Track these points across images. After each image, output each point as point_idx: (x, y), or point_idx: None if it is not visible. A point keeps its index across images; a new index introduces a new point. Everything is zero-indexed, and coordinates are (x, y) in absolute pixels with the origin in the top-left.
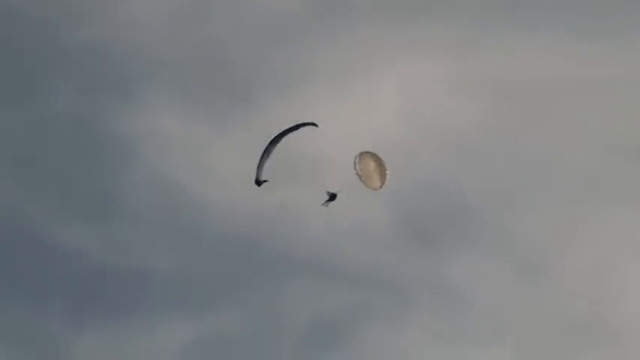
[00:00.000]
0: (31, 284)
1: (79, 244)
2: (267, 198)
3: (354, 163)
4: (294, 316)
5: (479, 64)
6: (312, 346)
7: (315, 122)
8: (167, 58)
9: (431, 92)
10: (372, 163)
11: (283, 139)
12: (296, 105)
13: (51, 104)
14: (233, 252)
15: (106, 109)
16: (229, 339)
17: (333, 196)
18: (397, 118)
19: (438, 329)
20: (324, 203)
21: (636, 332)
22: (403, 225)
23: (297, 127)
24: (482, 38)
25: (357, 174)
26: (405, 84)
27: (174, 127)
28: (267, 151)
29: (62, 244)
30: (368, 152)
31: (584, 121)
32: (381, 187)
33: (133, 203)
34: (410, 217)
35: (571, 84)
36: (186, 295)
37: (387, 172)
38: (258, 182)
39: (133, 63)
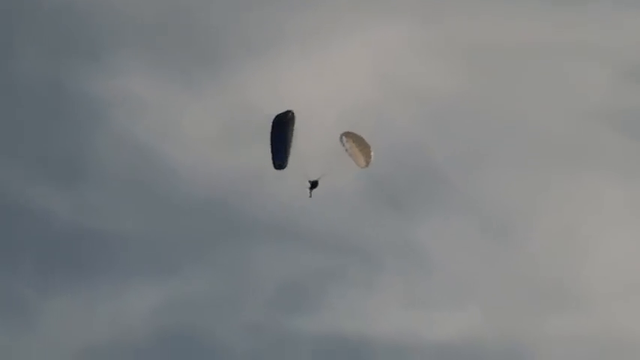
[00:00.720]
0: (0, 246)
1: (49, 206)
2: (238, 162)
3: (342, 142)
4: (264, 280)
5: (451, 28)
6: (281, 310)
7: (290, 110)
8: (139, 20)
9: (403, 56)
10: (355, 144)
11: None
12: (268, 68)
13: (22, 66)
14: (203, 215)
15: (77, 71)
16: (198, 302)
17: (314, 184)
18: (369, 81)
19: (406, 293)
20: (309, 193)
21: (603, 297)
22: (373, 188)
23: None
24: (455, 2)
25: (346, 150)
26: (377, 47)
27: (145, 89)
28: (280, 137)
29: (32, 207)
30: (350, 132)
31: (555, 85)
32: (366, 165)
33: (103, 166)
34: (380, 180)
35: (542, 49)
36: (156, 258)
37: (372, 151)
38: (280, 167)
39: (105, 25)
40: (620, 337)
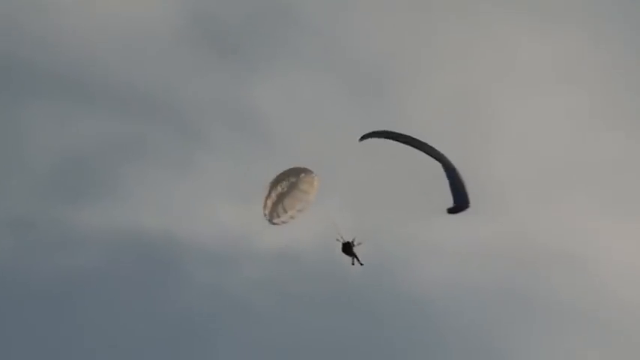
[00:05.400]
0: None
1: None
2: None
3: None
4: (37, 151)
5: None
6: (59, 193)
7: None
8: None
9: None
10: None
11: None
12: None
13: None
14: None
15: None
16: None
17: (349, 250)
18: None
19: (235, 178)
20: (359, 263)
21: (513, 195)
22: (195, 27)
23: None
24: None
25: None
26: None
27: None
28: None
29: None
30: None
31: None
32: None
33: None
34: (204, 18)
35: None
36: None
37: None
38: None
39: None
40: (535, 249)
